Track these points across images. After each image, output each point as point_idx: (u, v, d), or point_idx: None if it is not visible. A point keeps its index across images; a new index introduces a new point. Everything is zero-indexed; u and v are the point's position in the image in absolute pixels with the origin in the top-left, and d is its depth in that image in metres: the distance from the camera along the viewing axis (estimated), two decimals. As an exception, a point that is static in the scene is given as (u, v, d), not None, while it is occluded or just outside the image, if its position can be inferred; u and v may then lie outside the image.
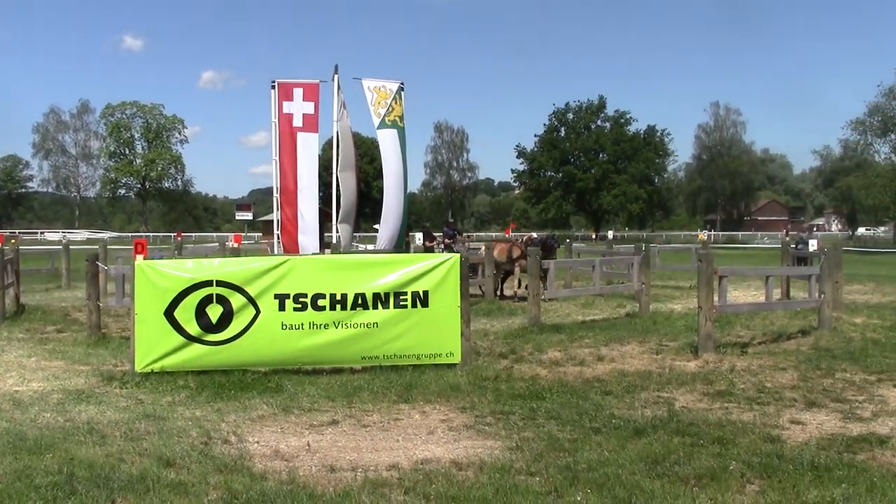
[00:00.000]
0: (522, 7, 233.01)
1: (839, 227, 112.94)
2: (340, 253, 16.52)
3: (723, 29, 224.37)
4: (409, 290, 9.89)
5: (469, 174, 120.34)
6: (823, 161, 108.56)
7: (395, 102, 18.37)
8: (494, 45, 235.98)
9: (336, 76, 18.12)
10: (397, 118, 18.44)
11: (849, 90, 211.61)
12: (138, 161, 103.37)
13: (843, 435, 7.02)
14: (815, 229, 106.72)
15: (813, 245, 19.59)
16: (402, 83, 18.84)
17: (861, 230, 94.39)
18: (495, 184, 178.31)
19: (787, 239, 25.80)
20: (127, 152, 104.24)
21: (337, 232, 18.61)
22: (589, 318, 15.56)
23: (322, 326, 9.70)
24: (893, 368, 10.07)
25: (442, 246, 22.41)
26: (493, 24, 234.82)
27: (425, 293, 9.92)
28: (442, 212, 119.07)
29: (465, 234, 24.06)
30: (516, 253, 19.09)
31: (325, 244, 21.14)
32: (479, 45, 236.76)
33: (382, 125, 18.32)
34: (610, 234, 50.82)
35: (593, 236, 78.21)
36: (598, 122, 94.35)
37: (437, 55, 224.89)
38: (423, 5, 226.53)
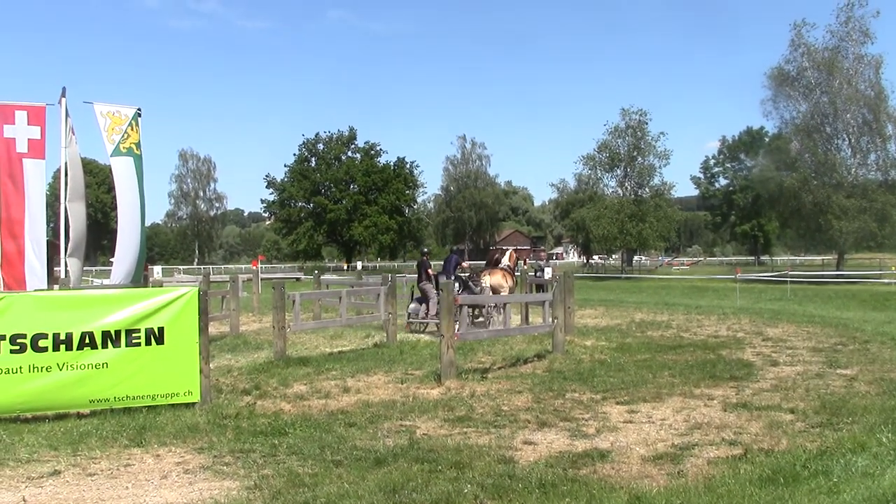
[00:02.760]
0: (268, 34, 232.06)
1: (577, 255, 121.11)
2: (70, 289, 15.36)
3: (473, 65, 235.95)
4: (143, 326, 9.35)
5: (217, 204, 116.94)
6: (560, 193, 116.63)
7: (131, 129, 17.43)
8: (241, 73, 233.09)
9: (63, 99, 16.89)
10: (133, 145, 17.49)
11: (584, 127, 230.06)
12: None
13: (570, 452, 7.45)
14: (554, 258, 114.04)
15: (548, 273, 20.88)
16: (139, 109, 17.93)
17: (595, 258, 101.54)
18: (245, 214, 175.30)
19: (526, 267, 27.26)
20: None
21: (66, 266, 17.27)
22: (337, 349, 15.51)
23: (44, 369, 8.91)
24: (616, 387, 10.88)
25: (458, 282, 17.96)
26: (237, 52, 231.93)
27: (160, 329, 9.42)
28: (188, 243, 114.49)
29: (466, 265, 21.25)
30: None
31: (53, 279, 19.53)
32: (225, 73, 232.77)
33: (117, 153, 17.29)
34: (359, 264, 51.32)
35: (345, 267, 78.61)
36: (349, 153, 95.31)
37: (181, 81, 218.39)
38: (162, 28, 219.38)
